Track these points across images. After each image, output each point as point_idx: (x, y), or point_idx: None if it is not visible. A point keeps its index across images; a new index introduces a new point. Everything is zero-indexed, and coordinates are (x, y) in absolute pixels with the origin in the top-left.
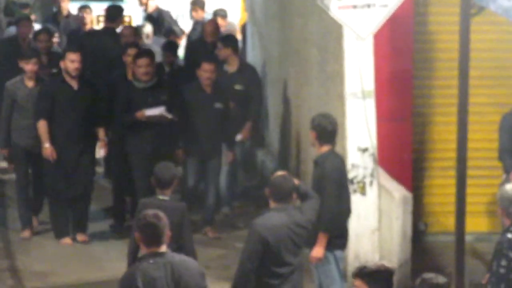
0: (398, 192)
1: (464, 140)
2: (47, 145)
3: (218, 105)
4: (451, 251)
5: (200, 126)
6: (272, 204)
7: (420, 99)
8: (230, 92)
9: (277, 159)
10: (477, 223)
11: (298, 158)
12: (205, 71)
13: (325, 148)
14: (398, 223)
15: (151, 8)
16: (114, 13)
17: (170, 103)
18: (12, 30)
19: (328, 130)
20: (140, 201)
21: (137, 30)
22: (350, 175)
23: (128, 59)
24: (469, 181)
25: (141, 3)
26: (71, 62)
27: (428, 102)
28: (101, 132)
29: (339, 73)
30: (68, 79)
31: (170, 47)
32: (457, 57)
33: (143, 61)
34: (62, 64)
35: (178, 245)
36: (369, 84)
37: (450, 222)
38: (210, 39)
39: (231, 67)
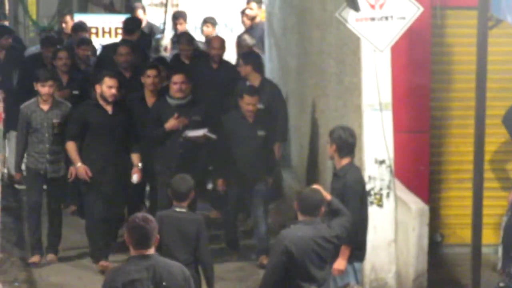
0: (415, 204)
1: (481, 152)
2: (79, 164)
3: (260, 132)
4: (467, 263)
5: (243, 155)
6: (300, 217)
7: (438, 111)
8: None
9: (295, 172)
10: (493, 235)
11: (315, 170)
12: (247, 103)
13: (346, 161)
14: (415, 234)
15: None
16: (132, 26)
17: (203, 124)
18: (32, 49)
19: (348, 143)
20: (157, 213)
21: (155, 42)
22: (367, 187)
23: (147, 80)
24: (485, 193)
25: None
26: (109, 88)
27: (446, 114)
28: (135, 158)
29: (357, 85)
30: (102, 103)
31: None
32: (474, 69)
33: (178, 78)
34: (97, 88)
35: (195, 257)
36: (387, 96)
37: (466, 234)
38: (216, 53)
39: (253, 84)
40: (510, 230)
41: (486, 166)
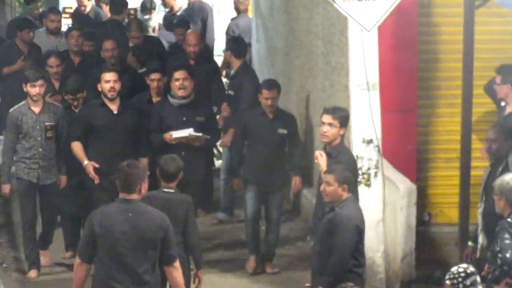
0: (403, 183)
1: (468, 131)
2: (86, 162)
3: (281, 130)
4: (455, 241)
5: (262, 153)
6: (346, 195)
7: (425, 90)
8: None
9: None
10: None
11: (304, 149)
12: (266, 98)
13: (338, 141)
14: (403, 214)
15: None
16: (119, 6)
17: (206, 125)
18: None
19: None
20: (146, 194)
21: (142, 24)
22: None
23: (151, 84)
24: (473, 172)
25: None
26: (106, 82)
27: (433, 93)
28: (143, 163)
29: (344, 65)
30: (107, 101)
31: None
32: (461, 48)
33: (180, 74)
34: (99, 87)
35: (184, 238)
36: (374, 76)
37: (454, 213)
38: (192, 50)
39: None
40: (492, 216)
41: (473, 145)
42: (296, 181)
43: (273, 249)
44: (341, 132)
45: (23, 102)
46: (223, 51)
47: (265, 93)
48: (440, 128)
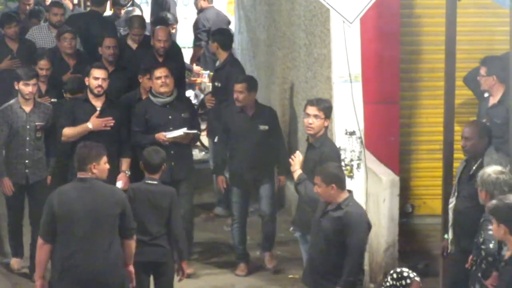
0: (385, 175)
1: (451, 123)
2: (90, 125)
3: (262, 127)
4: (438, 233)
5: (243, 152)
6: (342, 193)
7: (407, 82)
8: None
9: None
10: None
11: (286, 141)
12: (235, 91)
13: (321, 132)
14: (386, 205)
15: None
16: None
17: (191, 120)
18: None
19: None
20: (129, 186)
21: (144, 21)
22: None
23: (146, 82)
24: (455, 164)
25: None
26: (94, 79)
27: (415, 85)
28: (124, 164)
29: (326, 56)
30: (92, 97)
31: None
32: (443, 40)
33: (161, 72)
34: (86, 81)
35: (168, 229)
36: (356, 67)
37: (437, 204)
38: (160, 46)
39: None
40: (461, 214)
41: (456, 137)
42: (281, 179)
43: (272, 241)
44: (326, 123)
45: (13, 100)
46: (194, 44)
47: (235, 86)
48: (423, 120)
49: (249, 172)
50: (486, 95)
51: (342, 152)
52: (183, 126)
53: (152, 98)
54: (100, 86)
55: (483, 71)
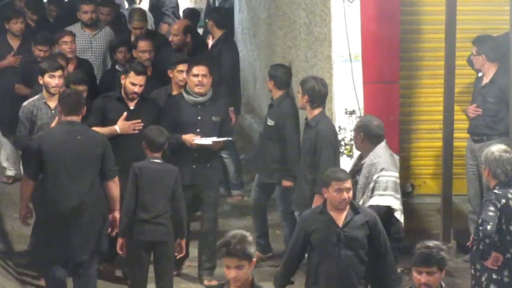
0: None
1: (451, 102)
2: (117, 128)
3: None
4: (438, 212)
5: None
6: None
7: (407, 62)
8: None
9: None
10: (463, 185)
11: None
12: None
13: (317, 111)
14: None
15: None
16: None
17: (221, 126)
18: None
19: (321, 94)
20: (134, 164)
21: (145, 14)
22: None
23: (177, 75)
24: (456, 143)
25: None
26: (132, 84)
27: (415, 64)
28: None
29: (327, 35)
30: (125, 97)
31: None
32: (443, 19)
33: (199, 69)
34: (122, 79)
35: (171, 207)
36: (356, 46)
37: (437, 184)
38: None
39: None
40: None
41: (456, 116)
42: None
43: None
44: (305, 99)
45: (37, 96)
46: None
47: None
48: (423, 99)
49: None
50: (480, 74)
51: (342, 132)
52: (212, 130)
53: (184, 94)
54: (136, 93)
55: (474, 50)
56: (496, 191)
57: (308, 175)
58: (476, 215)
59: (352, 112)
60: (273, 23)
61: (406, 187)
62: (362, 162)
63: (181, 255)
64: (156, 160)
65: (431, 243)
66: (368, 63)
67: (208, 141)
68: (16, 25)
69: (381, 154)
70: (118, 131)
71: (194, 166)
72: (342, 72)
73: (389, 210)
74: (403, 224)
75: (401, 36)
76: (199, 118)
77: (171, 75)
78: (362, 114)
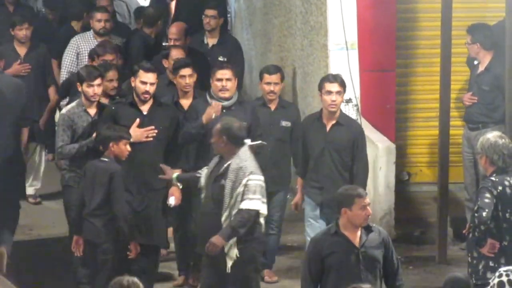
0: (382, 142)
1: (447, 90)
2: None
3: (284, 122)
4: (434, 201)
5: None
6: None
7: (403, 50)
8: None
9: None
10: (459, 173)
11: None
12: (267, 83)
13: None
14: (382, 173)
15: None
16: None
17: (251, 129)
18: None
19: None
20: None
21: None
22: None
23: (180, 81)
24: (452, 131)
25: None
26: (142, 83)
27: (411, 53)
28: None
29: (323, 24)
30: (137, 101)
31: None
32: (440, 7)
33: (222, 73)
34: (132, 82)
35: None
36: (353, 35)
37: (433, 172)
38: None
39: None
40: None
41: (452, 104)
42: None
43: (273, 256)
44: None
45: (75, 103)
46: None
47: (266, 77)
48: (419, 87)
49: (270, 173)
50: (475, 62)
51: None
52: None
53: (208, 98)
54: (147, 92)
55: (469, 39)
56: (492, 178)
57: (343, 174)
58: (472, 203)
59: (348, 101)
60: (269, 12)
61: (402, 175)
62: (225, 165)
63: (132, 257)
64: (103, 159)
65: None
66: (364, 51)
67: None
68: (21, 32)
69: (246, 157)
70: (131, 139)
71: None
72: (338, 61)
73: (256, 214)
74: (263, 229)
75: (397, 24)
76: None
77: (175, 81)
78: (359, 102)
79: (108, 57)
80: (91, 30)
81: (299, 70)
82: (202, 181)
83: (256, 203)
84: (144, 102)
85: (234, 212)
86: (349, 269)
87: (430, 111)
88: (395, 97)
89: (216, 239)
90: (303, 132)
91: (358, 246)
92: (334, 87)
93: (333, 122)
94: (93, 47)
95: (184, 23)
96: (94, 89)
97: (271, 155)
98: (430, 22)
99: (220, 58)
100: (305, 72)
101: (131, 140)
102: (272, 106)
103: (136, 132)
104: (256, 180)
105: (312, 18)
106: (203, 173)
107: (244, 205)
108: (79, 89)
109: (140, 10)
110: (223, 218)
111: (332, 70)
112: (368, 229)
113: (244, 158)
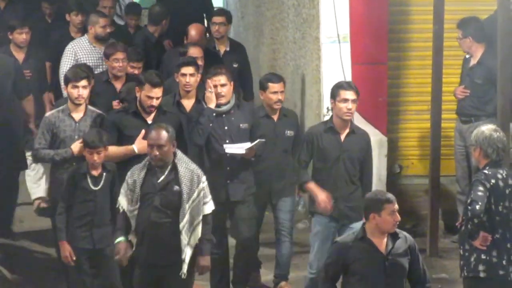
0: (374, 135)
1: (439, 84)
2: (135, 149)
3: (288, 132)
4: (426, 193)
5: (268, 160)
6: None
7: (395, 43)
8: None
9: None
10: (451, 166)
11: None
12: (274, 92)
13: None
14: (374, 166)
15: None
16: None
17: (251, 132)
18: None
19: None
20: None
21: None
22: (325, 118)
23: (181, 79)
24: (443, 124)
25: None
26: (148, 98)
27: (403, 46)
28: None
29: (315, 17)
30: (141, 111)
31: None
32: (432, 0)
33: (217, 80)
34: (137, 92)
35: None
36: (345, 28)
37: (424, 164)
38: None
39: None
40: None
41: (444, 97)
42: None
43: (288, 265)
44: None
45: (62, 107)
46: None
47: (272, 87)
48: (411, 80)
49: (274, 183)
50: (467, 56)
51: (330, 113)
52: (242, 137)
53: (205, 105)
54: (152, 106)
55: (459, 33)
56: (485, 171)
57: (356, 183)
58: (464, 196)
59: None
60: (262, 5)
61: (394, 168)
62: (169, 171)
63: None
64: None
65: None
66: (357, 44)
67: (241, 150)
68: (20, 36)
69: (186, 158)
70: (136, 151)
71: (228, 182)
72: (330, 54)
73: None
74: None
75: (390, 17)
76: (226, 128)
77: (177, 80)
78: None
79: (119, 55)
80: (85, 35)
81: (291, 63)
82: (127, 200)
83: (211, 203)
84: (148, 112)
85: (195, 216)
86: (374, 276)
87: (422, 104)
88: (387, 90)
89: (205, 261)
90: (312, 143)
91: (384, 253)
92: (350, 95)
93: (347, 131)
94: (89, 52)
95: (202, 25)
96: (79, 90)
97: (277, 166)
98: (422, 15)
99: (235, 65)
100: (297, 65)
101: (137, 152)
102: (275, 117)
103: (142, 144)
104: (205, 181)
105: (305, 11)
106: (123, 191)
107: (209, 208)
108: (64, 91)
109: (131, 5)
110: (181, 224)
111: (324, 63)
112: (394, 236)
113: (185, 159)
